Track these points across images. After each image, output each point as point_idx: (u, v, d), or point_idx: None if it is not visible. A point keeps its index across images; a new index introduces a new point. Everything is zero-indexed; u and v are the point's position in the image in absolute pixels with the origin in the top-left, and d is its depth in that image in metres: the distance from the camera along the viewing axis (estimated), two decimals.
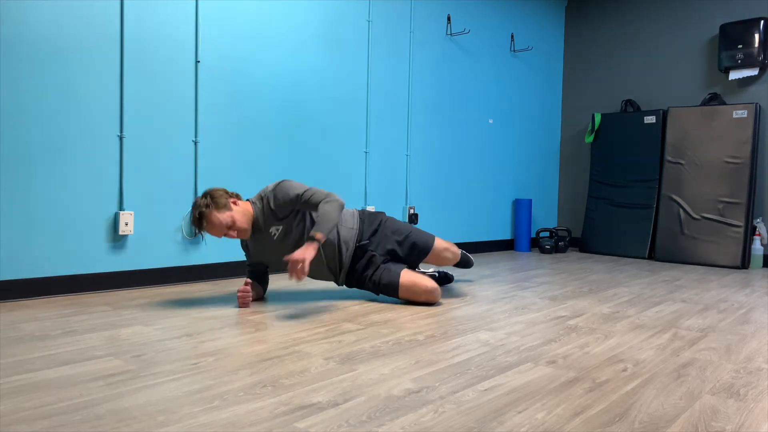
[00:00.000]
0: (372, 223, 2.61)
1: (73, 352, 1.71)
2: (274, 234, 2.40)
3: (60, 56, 2.50)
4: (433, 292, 2.49)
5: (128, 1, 2.68)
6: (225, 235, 2.30)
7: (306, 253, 2.14)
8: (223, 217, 2.27)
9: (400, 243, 2.61)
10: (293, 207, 2.37)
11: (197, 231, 2.31)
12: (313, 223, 2.43)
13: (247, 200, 2.44)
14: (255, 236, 2.43)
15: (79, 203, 2.58)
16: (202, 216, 2.26)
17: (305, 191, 2.35)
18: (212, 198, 2.27)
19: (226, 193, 2.33)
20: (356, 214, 2.62)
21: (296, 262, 2.12)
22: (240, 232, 2.33)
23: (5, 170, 2.38)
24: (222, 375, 1.53)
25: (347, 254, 2.52)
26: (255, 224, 2.40)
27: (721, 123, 4.39)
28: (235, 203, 2.34)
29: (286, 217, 2.39)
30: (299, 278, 2.14)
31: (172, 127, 2.87)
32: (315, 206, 2.32)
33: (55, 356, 1.67)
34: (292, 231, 2.41)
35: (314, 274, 2.56)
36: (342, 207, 2.31)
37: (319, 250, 2.47)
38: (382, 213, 2.70)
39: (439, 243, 2.72)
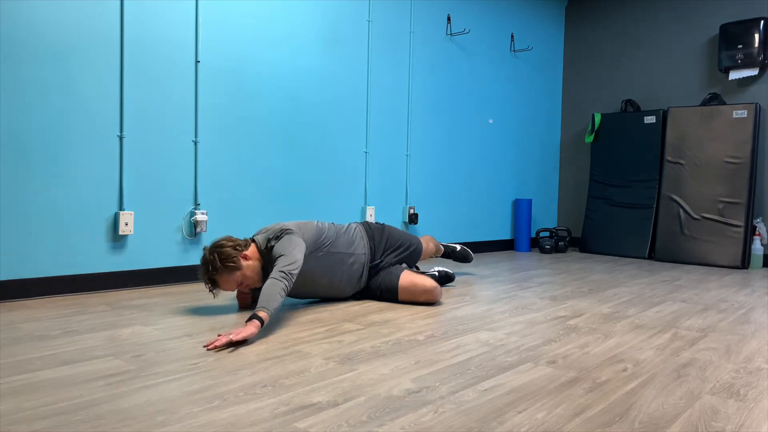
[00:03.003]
0: (381, 240, 2.64)
1: (73, 352, 1.70)
2: None
3: (60, 56, 2.50)
4: (433, 291, 2.50)
5: (128, 1, 2.68)
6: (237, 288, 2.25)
7: (245, 331, 1.83)
8: (232, 278, 2.18)
9: (404, 252, 2.74)
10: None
11: (208, 288, 2.20)
12: (321, 271, 2.41)
13: (253, 240, 2.33)
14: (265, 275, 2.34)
15: (79, 203, 2.58)
16: (213, 280, 2.17)
17: (281, 257, 2.17)
18: (220, 259, 2.15)
19: (235, 247, 2.20)
20: (365, 235, 2.60)
21: (228, 337, 1.80)
22: (248, 288, 2.29)
23: (5, 170, 2.38)
24: (222, 375, 1.53)
25: (363, 278, 2.57)
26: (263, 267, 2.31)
27: (721, 123, 4.39)
28: (244, 257, 2.22)
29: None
30: (214, 347, 1.78)
31: (172, 127, 2.87)
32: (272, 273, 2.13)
33: (55, 356, 1.67)
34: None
35: (327, 295, 2.54)
36: (286, 290, 2.06)
37: (337, 277, 2.46)
38: (384, 225, 2.74)
39: (423, 240, 3.03)
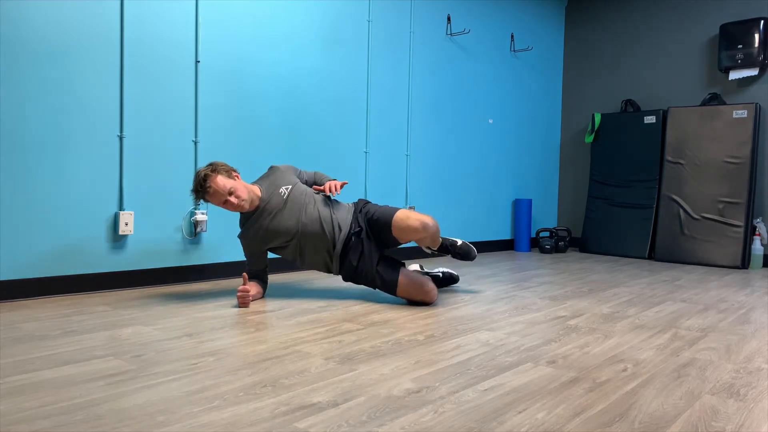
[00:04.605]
0: (357, 209, 2.68)
1: (73, 352, 1.71)
2: (284, 193, 2.54)
3: (60, 56, 2.50)
4: (429, 293, 2.51)
5: (128, 1, 2.68)
6: (225, 202, 2.39)
7: (334, 180, 2.61)
8: (226, 181, 2.38)
9: (367, 222, 2.61)
10: (295, 171, 2.67)
11: (199, 197, 2.40)
12: (309, 198, 2.64)
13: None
14: (265, 208, 2.51)
15: (79, 203, 2.58)
16: (207, 178, 2.37)
17: (295, 169, 2.72)
18: (216, 165, 2.42)
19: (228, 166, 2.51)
20: (350, 204, 2.74)
21: (334, 182, 2.58)
22: (239, 200, 2.40)
23: (5, 170, 2.38)
24: (222, 375, 1.53)
25: (341, 235, 2.56)
26: (262, 200, 2.52)
27: (721, 123, 4.39)
28: (237, 176, 2.48)
29: (290, 180, 2.61)
30: (337, 189, 2.55)
31: (172, 127, 2.87)
32: (311, 174, 2.75)
33: (55, 356, 1.67)
34: (297, 187, 2.59)
35: (311, 259, 2.59)
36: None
37: (321, 226, 2.54)
38: (366, 200, 2.74)
39: (402, 213, 2.53)
